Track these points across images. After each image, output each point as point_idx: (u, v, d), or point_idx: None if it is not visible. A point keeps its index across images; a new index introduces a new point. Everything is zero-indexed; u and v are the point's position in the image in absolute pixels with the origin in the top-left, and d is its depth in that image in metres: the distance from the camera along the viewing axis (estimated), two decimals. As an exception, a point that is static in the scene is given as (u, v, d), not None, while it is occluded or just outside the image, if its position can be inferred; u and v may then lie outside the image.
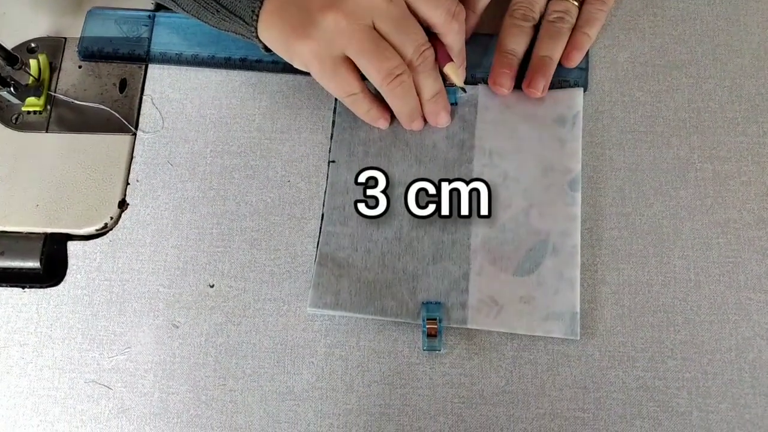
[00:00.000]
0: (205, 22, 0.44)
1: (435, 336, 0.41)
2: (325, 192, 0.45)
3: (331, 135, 0.47)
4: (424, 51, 0.41)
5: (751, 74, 0.47)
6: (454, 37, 0.42)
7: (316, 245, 0.44)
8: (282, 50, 0.42)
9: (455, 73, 0.43)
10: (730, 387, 0.41)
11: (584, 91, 0.46)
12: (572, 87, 0.46)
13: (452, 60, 0.43)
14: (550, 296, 0.42)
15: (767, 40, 0.47)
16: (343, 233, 0.44)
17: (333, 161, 0.46)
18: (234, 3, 0.41)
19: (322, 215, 0.45)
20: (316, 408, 0.42)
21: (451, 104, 0.45)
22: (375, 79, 0.41)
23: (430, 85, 0.43)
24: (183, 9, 0.44)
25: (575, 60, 0.46)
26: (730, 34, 0.48)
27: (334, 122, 0.47)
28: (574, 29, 0.46)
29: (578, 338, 0.41)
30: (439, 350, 0.42)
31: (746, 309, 0.42)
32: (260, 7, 0.41)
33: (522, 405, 0.41)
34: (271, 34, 0.42)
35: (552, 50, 0.45)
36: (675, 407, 0.40)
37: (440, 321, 0.41)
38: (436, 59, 0.42)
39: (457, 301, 0.42)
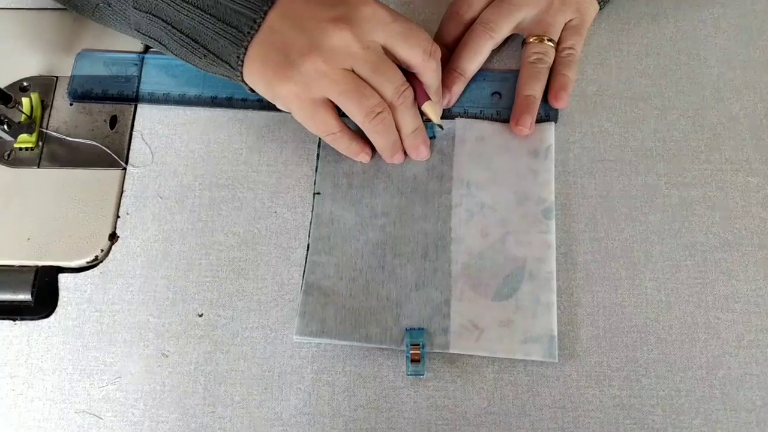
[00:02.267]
0: (194, 65, 0.46)
1: (418, 361, 0.43)
2: (311, 223, 0.47)
3: (316, 167, 0.48)
4: (403, 91, 0.43)
5: (712, 105, 0.49)
6: (431, 75, 0.44)
7: (302, 274, 0.46)
8: (265, 92, 0.44)
9: (433, 110, 0.45)
10: (702, 403, 0.42)
11: (555, 123, 0.49)
12: (544, 121, 0.48)
13: (429, 98, 0.45)
14: (528, 320, 0.43)
15: (726, 73, 0.50)
16: (329, 262, 0.46)
17: (318, 193, 0.48)
18: (220, 49, 0.43)
19: (308, 245, 0.46)
20: (303, 433, 0.43)
21: (430, 138, 0.48)
22: (356, 117, 0.43)
23: (409, 121, 0.45)
24: (172, 53, 0.46)
25: (564, 99, 0.48)
26: (692, 68, 0.51)
27: (318, 155, 0.49)
28: (554, 73, 0.49)
29: (557, 360, 0.43)
30: (423, 375, 0.43)
31: (715, 328, 0.44)
32: (245, 53, 0.43)
33: (504, 425, 0.42)
34: (254, 77, 0.44)
35: (535, 89, 0.48)
36: (650, 424, 0.42)
37: (423, 346, 0.43)
38: (415, 98, 0.45)
39: (439, 327, 0.44)
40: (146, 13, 0.44)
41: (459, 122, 0.49)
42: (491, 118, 0.49)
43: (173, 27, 0.44)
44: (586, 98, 0.50)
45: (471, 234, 0.46)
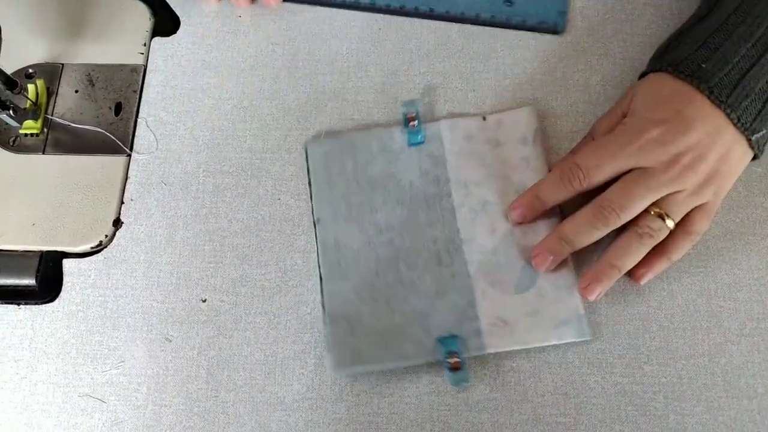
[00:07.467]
0: None
1: (459, 369, 0.41)
2: (317, 251, 0.46)
3: (311, 194, 0.47)
4: None
5: (716, 95, 0.49)
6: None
7: (321, 305, 0.44)
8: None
9: None
10: (704, 391, 0.42)
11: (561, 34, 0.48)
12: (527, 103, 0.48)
13: None
14: (553, 305, 0.43)
15: (729, 64, 0.50)
16: (345, 288, 0.44)
17: (318, 220, 0.47)
18: None
19: (320, 275, 0.45)
20: (306, 418, 0.43)
21: (419, 143, 0.47)
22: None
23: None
24: None
25: (646, 280, 0.44)
26: (695, 59, 0.51)
27: (310, 182, 0.47)
28: (660, 252, 0.43)
29: (590, 338, 0.43)
30: (468, 382, 0.42)
31: (717, 316, 0.44)
32: None
33: (506, 411, 0.42)
34: None
35: (624, 263, 0.42)
36: (652, 411, 0.42)
37: (460, 354, 0.42)
38: None
39: (470, 330, 0.43)
40: None
41: (443, 123, 0.48)
42: (501, 25, 0.49)
43: None
44: (590, 88, 0.50)
45: (479, 232, 0.45)
